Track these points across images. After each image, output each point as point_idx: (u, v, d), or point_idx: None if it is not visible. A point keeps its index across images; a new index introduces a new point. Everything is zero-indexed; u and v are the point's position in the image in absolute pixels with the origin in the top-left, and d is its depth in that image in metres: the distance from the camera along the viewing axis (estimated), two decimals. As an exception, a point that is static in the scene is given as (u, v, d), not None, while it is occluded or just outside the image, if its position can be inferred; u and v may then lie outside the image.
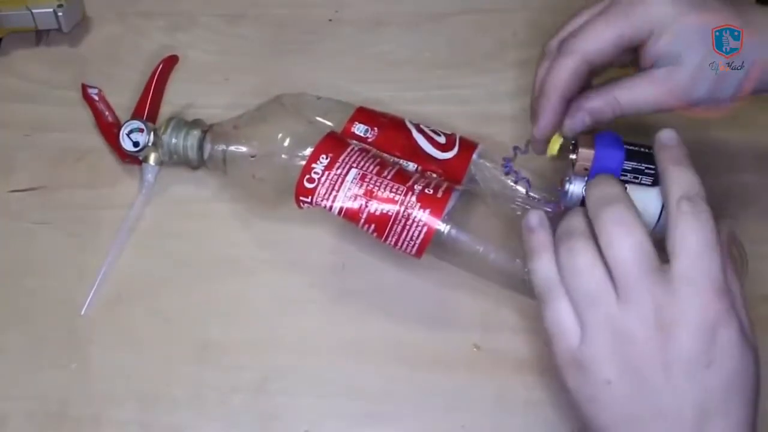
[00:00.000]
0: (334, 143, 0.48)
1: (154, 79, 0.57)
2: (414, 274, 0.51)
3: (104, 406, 0.49)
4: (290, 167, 0.48)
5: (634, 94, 0.43)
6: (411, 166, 0.49)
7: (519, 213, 0.47)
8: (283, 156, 0.49)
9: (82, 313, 0.51)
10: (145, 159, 0.54)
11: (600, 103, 0.44)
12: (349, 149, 0.48)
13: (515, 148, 0.47)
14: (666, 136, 0.41)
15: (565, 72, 0.43)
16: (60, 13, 0.59)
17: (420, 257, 0.46)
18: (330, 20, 0.62)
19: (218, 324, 0.51)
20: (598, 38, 0.43)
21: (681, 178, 0.39)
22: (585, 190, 0.42)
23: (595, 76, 0.46)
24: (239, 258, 0.53)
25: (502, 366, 0.49)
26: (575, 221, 0.40)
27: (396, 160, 0.49)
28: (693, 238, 0.37)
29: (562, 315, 0.39)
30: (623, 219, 0.38)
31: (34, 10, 0.59)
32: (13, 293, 0.53)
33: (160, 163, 0.54)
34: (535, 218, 0.42)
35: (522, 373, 0.48)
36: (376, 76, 0.59)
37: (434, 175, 0.49)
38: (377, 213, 0.46)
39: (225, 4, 0.63)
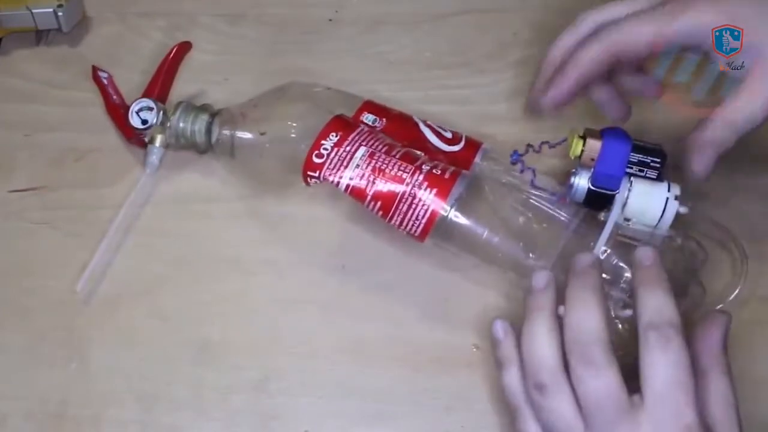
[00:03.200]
0: (343, 123, 0.49)
1: (167, 62, 0.57)
2: (414, 275, 0.51)
3: (104, 406, 0.49)
4: (298, 152, 0.48)
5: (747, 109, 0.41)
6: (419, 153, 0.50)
7: (522, 218, 0.47)
8: (290, 140, 0.49)
9: (78, 289, 0.51)
10: (151, 141, 0.54)
11: (719, 133, 0.42)
12: (358, 129, 0.48)
13: (529, 146, 0.46)
14: (642, 254, 0.40)
15: (592, 57, 0.42)
16: (60, 13, 0.59)
17: (423, 240, 0.46)
18: (330, 20, 0.62)
19: (218, 324, 0.51)
20: (637, 34, 0.41)
21: (649, 302, 0.38)
22: (568, 280, 0.41)
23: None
24: (239, 258, 0.53)
25: (502, 366, 0.49)
26: (545, 356, 0.39)
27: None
28: (659, 374, 0.36)
29: None
30: (593, 360, 0.37)
31: (34, 10, 0.59)
32: (13, 293, 0.53)
33: (165, 145, 0.54)
34: (500, 329, 0.43)
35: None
36: (376, 76, 0.59)
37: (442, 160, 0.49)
38: (384, 191, 0.46)
39: (225, 4, 0.63)
